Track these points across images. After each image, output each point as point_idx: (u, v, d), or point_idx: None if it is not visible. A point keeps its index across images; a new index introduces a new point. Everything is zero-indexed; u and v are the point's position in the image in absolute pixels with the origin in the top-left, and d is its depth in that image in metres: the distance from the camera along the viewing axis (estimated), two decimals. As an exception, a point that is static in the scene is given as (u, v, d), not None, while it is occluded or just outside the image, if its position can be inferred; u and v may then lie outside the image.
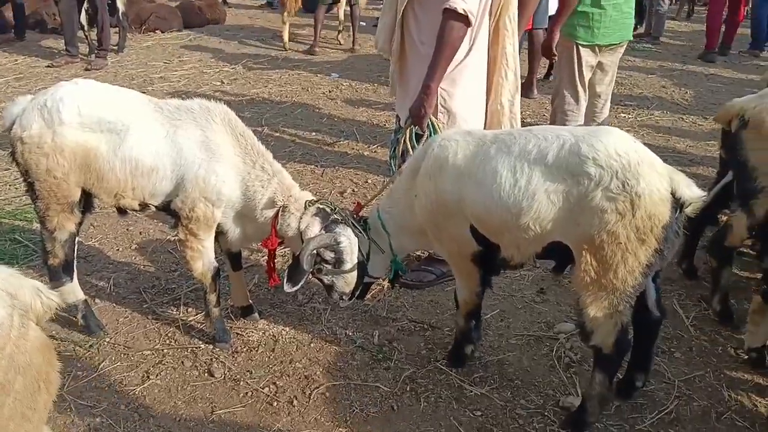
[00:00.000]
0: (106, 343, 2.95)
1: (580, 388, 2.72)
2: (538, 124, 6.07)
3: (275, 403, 2.63)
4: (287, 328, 3.09)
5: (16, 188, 4.35)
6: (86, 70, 7.53)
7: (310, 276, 2.70)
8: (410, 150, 2.93)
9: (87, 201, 2.79)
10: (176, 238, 2.82)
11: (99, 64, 7.63)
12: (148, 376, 2.75)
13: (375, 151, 5.39)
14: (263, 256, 3.64)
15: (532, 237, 2.28)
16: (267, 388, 2.71)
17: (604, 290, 2.20)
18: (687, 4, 12.96)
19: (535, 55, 6.64)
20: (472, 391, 2.71)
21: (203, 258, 2.77)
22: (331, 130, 5.93)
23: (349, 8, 9.12)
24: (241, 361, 2.86)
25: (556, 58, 4.38)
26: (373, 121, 6.19)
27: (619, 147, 2.13)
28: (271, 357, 2.90)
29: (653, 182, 2.09)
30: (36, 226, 3.60)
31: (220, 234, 2.84)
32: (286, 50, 8.89)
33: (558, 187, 2.18)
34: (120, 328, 3.06)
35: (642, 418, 2.59)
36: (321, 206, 2.69)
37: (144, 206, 2.73)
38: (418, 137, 2.94)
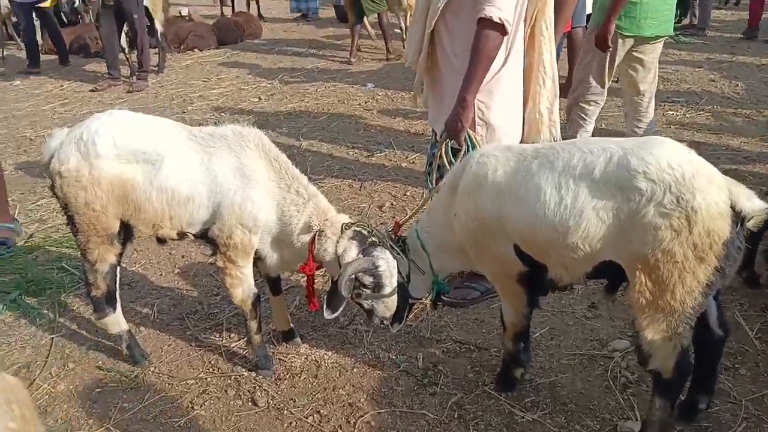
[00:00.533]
0: (150, 372, 2.94)
1: (639, 411, 2.58)
2: (581, 126, 5.88)
3: (319, 433, 2.57)
4: (329, 352, 3.03)
5: (63, 216, 4.42)
6: (128, 92, 7.69)
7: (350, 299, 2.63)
8: (447, 165, 2.84)
9: (127, 231, 2.79)
10: (215, 264, 2.79)
11: (140, 86, 7.79)
12: (192, 407, 2.73)
13: (413, 162, 5.31)
14: (303, 277, 3.59)
15: (581, 256, 2.15)
16: (311, 417, 2.65)
17: (662, 312, 2.06)
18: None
19: (575, 54, 6.44)
20: (523, 417, 2.59)
21: (243, 285, 2.74)
22: (368, 142, 5.88)
23: (377, 17, 9.07)
24: (284, 389, 2.82)
25: (610, 49, 4.23)
26: (410, 130, 6.12)
27: (671, 159, 1.99)
28: (315, 384, 2.84)
29: (710, 196, 1.95)
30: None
31: (258, 259, 2.80)
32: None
33: (607, 203, 2.05)
34: (164, 357, 3.05)
35: (707, 444, 2.43)
36: (358, 229, 2.62)
37: (182, 235, 2.72)
38: (455, 152, 2.85)
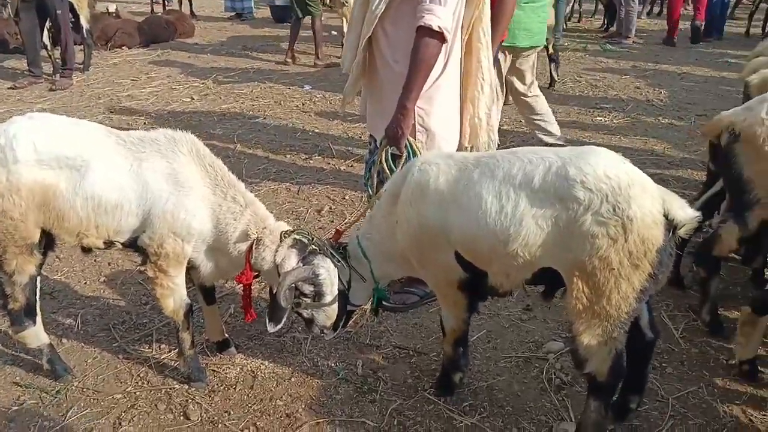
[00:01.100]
0: (74, 387, 2.78)
1: (573, 412, 2.64)
2: (514, 131, 6.03)
3: (256, 447, 2.49)
4: (266, 362, 2.95)
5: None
6: (51, 90, 7.32)
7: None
8: (387, 171, 2.83)
9: (48, 240, 2.63)
10: (145, 274, 2.66)
11: (64, 84, 7.43)
12: (120, 423, 2.59)
13: (351, 166, 5.27)
14: (238, 285, 3.50)
15: (522, 263, 2.17)
16: (247, 430, 2.57)
17: (598, 317, 2.10)
18: (653, 3, 13.10)
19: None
20: (462, 422, 2.60)
21: (174, 295, 2.63)
22: (306, 144, 5.80)
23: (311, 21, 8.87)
24: (218, 401, 2.72)
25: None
26: (348, 134, 6.08)
27: (608, 169, 2.04)
28: (250, 395, 2.76)
29: (646, 205, 2.00)
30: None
31: (191, 268, 2.70)
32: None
33: (546, 212, 2.08)
34: (89, 371, 2.89)
35: (638, 442, 2.51)
36: (297, 237, 2.56)
37: (109, 244, 2.58)
38: (395, 158, 2.84)
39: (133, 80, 7.90)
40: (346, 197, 4.65)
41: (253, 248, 2.56)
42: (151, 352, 3.02)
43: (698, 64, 8.76)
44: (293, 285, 2.46)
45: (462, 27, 2.96)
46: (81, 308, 3.36)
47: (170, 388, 2.78)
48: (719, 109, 6.69)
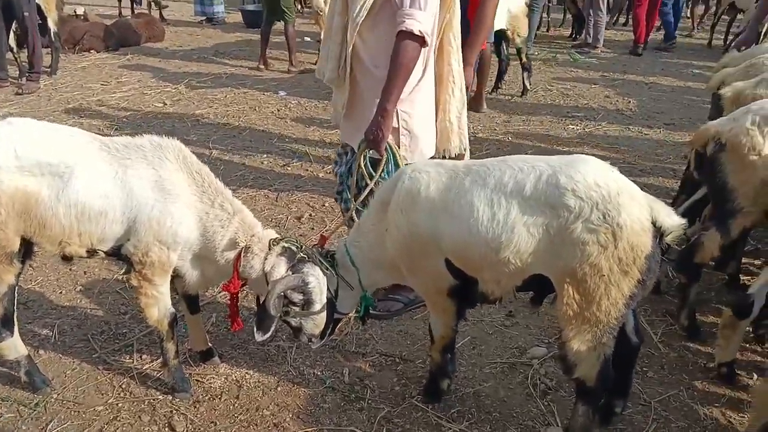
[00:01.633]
0: (53, 400, 2.71)
1: (559, 417, 2.67)
2: (489, 139, 6.10)
3: (244, 457, 2.46)
4: (251, 371, 2.92)
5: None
6: (17, 94, 7.13)
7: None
8: (366, 176, 2.84)
9: (27, 249, 2.56)
10: (128, 283, 2.61)
11: (31, 88, 7.24)
12: (102, 436, 2.54)
13: (330, 173, 5.24)
14: (220, 293, 3.46)
15: (513, 270, 2.20)
16: (234, 441, 2.54)
17: (588, 323, 2.14)
18: (619, 13, 13.40)
19: (483, 69, 6.66)
20: (450, 428, 2.61)
21: (159, 304, 2.58)
22: (283, 151, 5.77)
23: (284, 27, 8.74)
24: (203, 412, 2.68)
25: None
26: (325, 140, 6.07)
27: (598, 177, 2.08)
28: (236, 405, 2.72)
29: (634, 212, 2.05)
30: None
31: (176, 277, 2.66)
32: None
33: (537, 219, 2.12)
34: (68, 382, 2.82)
35: (623, 445, 2.55)
36: (286, 245, 2.54)
37: (92, 252, 2.52)
38: (374, 163, 2.85)
39: (102, 85, 7.75)
40: (326, 204, 4.64)
41: (242, 256, 2.53)
42: (133, 362, 2.96)
43: (664, 73, 8.98)
44: (282, 293, 2.44)
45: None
46: (57, 318, 3.28)
47: (154, 399, 2.73)
48: (686, 118, 6.95)
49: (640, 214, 2.07)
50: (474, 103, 6.84)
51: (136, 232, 2.45)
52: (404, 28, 2.65)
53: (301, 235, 4.16)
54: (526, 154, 4.95)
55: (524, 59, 7.38)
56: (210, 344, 2.98)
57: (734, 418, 2.69)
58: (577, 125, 6.65)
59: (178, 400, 2.72)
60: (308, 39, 10.54)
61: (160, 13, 12.41)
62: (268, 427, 2.61)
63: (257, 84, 7.98)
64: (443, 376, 2.72)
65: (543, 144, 6.01)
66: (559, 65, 9.34)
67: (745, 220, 2.83)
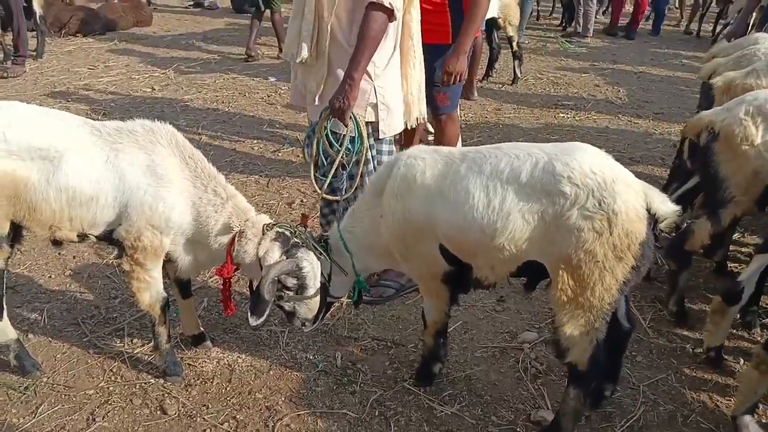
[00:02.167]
0: (43, 383, 2.69)
1: (549, 400, 2.70)
2: (480, 126, 6.11)
3: (237, 440, 2.47)
4: (243, 355, 2.92)
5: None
6: (2, 78, 7.02)
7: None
8: (330, 149, 2.87)
9: (16, 232, 2.53)
10: (120, 267, 2.59)
11: (16, 72, 7.14)
12: (93, 419, 2.52)
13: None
14: (211, 277, 3.45)
15: (507, 257, 2.21)
16: (226, 423, 2.54)
17: (581, 308, 2.15)
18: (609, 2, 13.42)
19: (474, 57, 6.64)
20: (442, 411, 2.63)
21: (151, 289, 2.57)
22: (274, 137, 5.74)
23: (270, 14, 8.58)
24: (195, 395, 2.68)
25: None
26: (315, 126, 6.02)
27: (593, 164, 2.09)
28: (228, 388, 2.72)
29: (629, 199, 2.07)
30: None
31: (168, 262, 2.64)
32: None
33: (533, 206, 2.13)
34: (58, 366, 2.81)
35: (612, 427, 2.58)
36: (280, 230, 2.54)
37: (83, 237, 2.50)
38: (336, 135, 2.89)
39: (89, 69, 7.65)
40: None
41: (235, 241, 2.52)
42: (124, 346, 2.95)
43: (653, 63, 9.02)
44: (277, 278, 2.44)
45: None
46: (46, 302, 3.25)
47: (145, 383, 2.72)
48: (675, 107, 6.99)
49: (635, 201, 2.09)
50: (465, 91, 6.83)
51: (128, 217, 2.44)
52: (375, 0, 2.66)
53: (292, 221, 4.13)
54: (518, 142, 4.98)
55: (515, 48, 7.38)
56: (202, 328, 2.98)
57: (721, 402, 2.73)
58: (567, 114, 6.67)
59: (169, 383, 2.72)
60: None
61: (148, -3, 12.24)
62: (260, 409, 2.61)
63: (247, 69, 7.91)
64: (435, 360, 2.74)
65: (534, 132, 6.03)
66: (549, 54, 9.35)
67: (735, 209, 2.86)
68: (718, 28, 10.66)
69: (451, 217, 2.27)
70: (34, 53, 7.79)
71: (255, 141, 5.59)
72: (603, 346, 2.26)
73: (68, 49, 8.52)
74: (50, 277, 3.50)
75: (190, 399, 2.66)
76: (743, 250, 3.95)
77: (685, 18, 12.49)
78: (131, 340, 3.00)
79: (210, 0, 12.50)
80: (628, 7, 11.82)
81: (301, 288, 2.48)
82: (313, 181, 2.97)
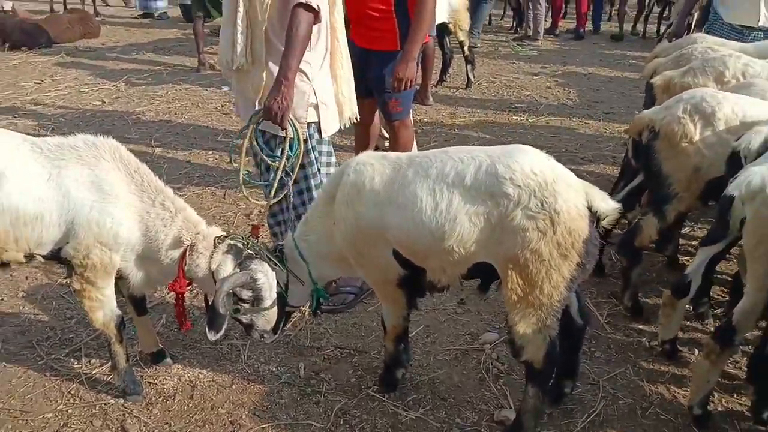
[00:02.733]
0: (-2, 409, 2.62)
1: (512, 399, 2.74)
2: (436, 131, 6.17)
3: (201, 457, 2.43)
4: (204, 371, 2.88)
5: None
6: (-57, 95, 6.78)
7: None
8: (259, 149, 2.90)
9: (-39, 256, 2.45)
10: (71, 287, 2.53)
11: (-42, 88, 6.90)
12: (51, 444, 2.46)
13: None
14: (169, 293, 3.38)
15: (457, 259, 2.25)
16: (189, 441, 2.51)
17: (532, 307, 2.21)
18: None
19: (427, 63, 6.71)
20: (407, 416, 2.65)
21: (104, 307, 2.52)
22: (228, 147, 5.62)
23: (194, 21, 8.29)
24: (157, 414, 2.63)
25: None
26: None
27: (534, 165, 2.16)
28: (191, 405, 2.69)
29: (570, 198, 2.13)
30: None
31: (120, 279, 2.59)
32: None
33: (478, 208, 2.18)
34: (14, 391, 2.73)
35: (574, 423, 2.63)
36: (232, 242, 2.52)
37: (30, 257, 2.44)
38: (270, 139, 2.94)
39: (36, 83, 7.45)
40: (275, 200, 4.59)
41: (187, 255, 2.49)
42: (81, 367, 2.88)
43: (602, 64, 9.26)
44: (231, 291, 2.42)
45: None
46: (-1, 326, 3.16)
47: (105, 404, 2.67)
48: (624, 107, 7.19)
49: (576, 199, 2.15)
50: (420, 96, 6.90)
51: (75, 235, 2.39)
52: (301, 0, 2.69)
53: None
54: (473, 145, 5.04)
55: (467, 52, 7.48)
56: (161, 345, 2.93)
57: (678, 393, 2.81)
58: (520, 116, 6.79)
59: (130, 403, 2.67)
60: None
61: (95, 9, 11.99)
62: (224, 425, 2.58)
63: (199, 80, 7.81)
64: (398, 366, 2.76)
65: (488, 135, 6.12)
66: (501, 57, 9.51)
67: (680, 205, 2.96)
68: (662, 29, 11.00)
69: (400, 221, 2.30)
70: (-23, 69, 7.56)
71: (210, 152, 5.52)
72: (557, 343, 2.32)
73: (13, 63, 8.28)
74: (2, 299, 3.39)
75: (152, 418, 2.61)
76: (693, 243, 4.08)
77: (617, 21, 12.88)
78: (89, 361, 2.93)
79: (160, 10, 12.29)
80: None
81: (257, 300, 2.47)
82: (242, 189, 2.92)
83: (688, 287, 2.83)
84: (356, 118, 3.39)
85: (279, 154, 2.87)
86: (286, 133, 2.83)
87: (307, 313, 3.19)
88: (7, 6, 10.05)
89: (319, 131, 3.09)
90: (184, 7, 11.90)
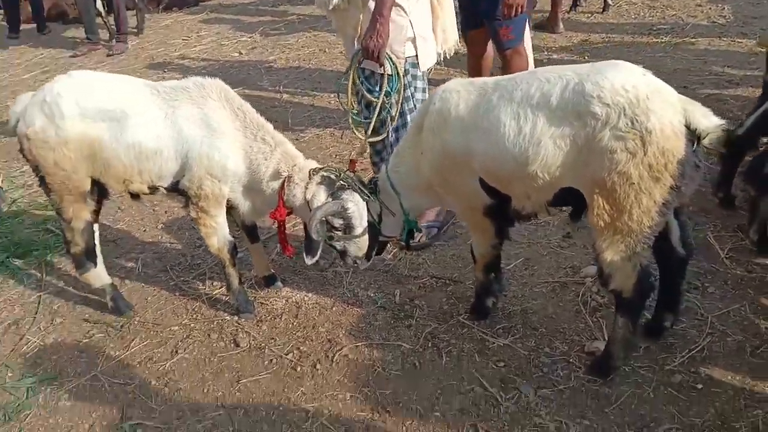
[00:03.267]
0: (136, 322, 3.03)
1: (607, 332, 2.65)
2: (563, 61, 5.84)
3: (299, 368, 2.66)
4: (310, 294, 3.11)
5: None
6: (108, 55, 7.61)
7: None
8: (365, 92, 2.97)
9: (101, 189, 2.84)
10: (189, 216, 2.84)
11: (120, 48, 7.70)
12: (176, 351, 2.83)
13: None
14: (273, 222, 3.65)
15: (542, 185, 2.18)
16: (291, 354, 2.75)
17: (620, 233, 2.10)
18: None
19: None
20: (494, 343, 2.68)
21: (218, 234, 2.80)
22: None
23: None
24: (265, 330, 2.91)
25: None
26: (392, 76, 6.05)
27: (626, 82, 2.00)
28: (295, 323, 2.93)
29: (665, 116, 1.96)
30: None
31: (231, 208, 2.85)
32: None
33: (564, 130, 2.08)
34: (149, 307, 3.14)
35: (672, 358, 2.51)
36: (325, 174, 2.66)
37: (153, 189, 2.76)
38: (371, 77, 2.96)
39: (184, 40, 8.09)
40: (389, 138, 4.69)
41: (285, 186, 2.67)
42: (205, 289, 3.23)
43: (769, -25, 8.10)
44: (324, 219, 2.56)
45: None
46: (141, 253, 3.61)
47: (222, 320, 2.99)
48: (788, 21, 6.26)
49: (672, 117, 1.98)
50: (550, 24, 6.56)
51: (190, 168, 2.65)
52: None
53: (363, 169, 4.25)
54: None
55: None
56: (273, 270, 3.19)
57: (799, 332, 2.56)
58: (661, 39, 6.20)
59: (243, 320, 2.97)
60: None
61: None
62: (323, 341, 2.79)
63: (328, 26, 7.96)
64: (488, 295, 2.78)
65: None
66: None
67: None
68: None
69: (485, 147, 2.26)
70: (136, 30, 8.35)
71: (332, 95, 5.71)
72: (650, 272, 2.20)
73: (165, 23, 9.03)
74: (145, 230, 3.87)
75: (260, 333, 2.89)
76: None
77: None
78: (212, 283, 3.28)
79: None
80: None
81: (348, 228, 2.59)
82: (353, 127, 3.02)
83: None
84: (458, 42, 3.38)
85: (378, 90, 2.93)
86: (384, 69, 2.88)
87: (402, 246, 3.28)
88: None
89: (417, 65, 3.09)
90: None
